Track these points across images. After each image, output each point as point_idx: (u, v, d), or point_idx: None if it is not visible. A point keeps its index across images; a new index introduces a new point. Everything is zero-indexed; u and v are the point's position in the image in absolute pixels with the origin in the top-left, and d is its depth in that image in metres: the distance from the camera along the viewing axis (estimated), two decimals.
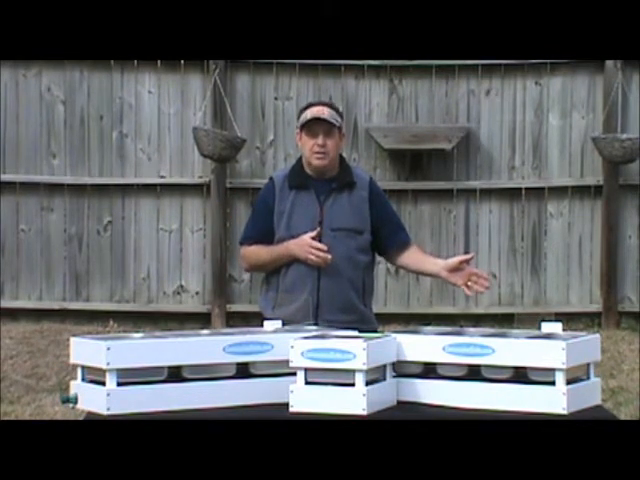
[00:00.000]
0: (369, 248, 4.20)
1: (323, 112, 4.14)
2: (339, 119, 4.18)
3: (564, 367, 2.94)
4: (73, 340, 3.14)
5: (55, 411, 5.93)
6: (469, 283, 3.99)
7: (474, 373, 3.06)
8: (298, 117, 4.24)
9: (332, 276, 4.08)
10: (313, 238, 4.04)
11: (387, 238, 4.23)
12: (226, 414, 3.01)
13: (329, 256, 4.02)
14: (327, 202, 4.15)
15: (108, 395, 2.97)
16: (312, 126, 4.13)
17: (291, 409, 3.00)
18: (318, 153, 4.12)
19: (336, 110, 4.24)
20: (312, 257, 4.02)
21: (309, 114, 4.14)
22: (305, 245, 4.04)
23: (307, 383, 3.00)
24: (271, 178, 4.28)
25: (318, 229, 4.06)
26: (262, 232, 4.18)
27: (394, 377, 3.12)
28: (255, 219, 4.28)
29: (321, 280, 4.08)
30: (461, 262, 4.05)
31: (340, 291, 4.10)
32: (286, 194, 4.16)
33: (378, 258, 4.35)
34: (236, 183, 8.18)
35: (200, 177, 8.22)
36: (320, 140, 4.11)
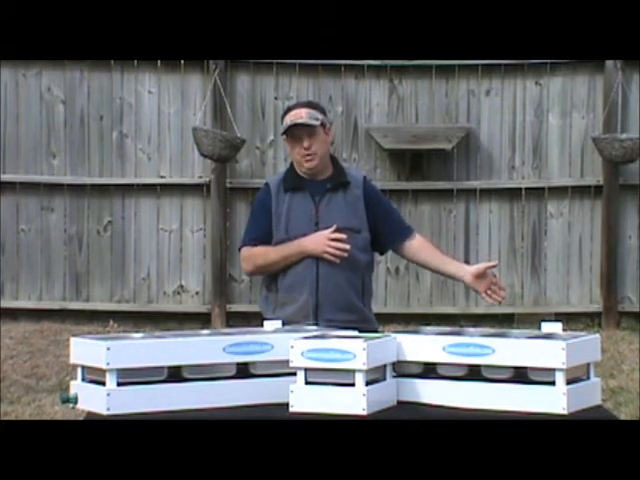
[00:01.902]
0: (368, 247, 4.19)
1: (301, 115, 4.11)
2: (320, 116, 4.14)
3: (564, 367, 2.94)
4: (73, 340, 3.14)
5: (55, 411, 5.93)
6: (489, 291, 4.04)
7: (474, 373, 3.06)
8: (282, 123, 4.22)
9: (331, 276, 4.07)
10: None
11: (389, 232, 4.22)
12: (226, 414, 3.01)
13: (347, 246, 4.01)
14: (322, 202, 4.14)
15: (108, 395, 2.97)
16: (293, 132, 4.12)
17: (291, 409, 3.00)
18: (306, 156, 4.12)
19: (315, 107, 4.21)
20: (330, 250, 4.00)
21: (288, 120, 4.12)
22: (322, 238, 4.03)
23: (307, 383, 3.00)
24: (267, 183, 4.27)
25: (335, 226, 4.04)
26: (264, 233, 4.15)
27: (394, 377, 3.12)
28: (255, 221, 4.24)
29: (320, 280, 4.07)
30: (487, 268, 4.07)
31: (339, 290, 4.09)
32: (282, 197, 4.15)
33: (378, 258, 4.35)
34: (236, 183, 8.19)
35: (200, 177, 8.23)
36: (305, 143, 4.11)
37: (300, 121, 4.09)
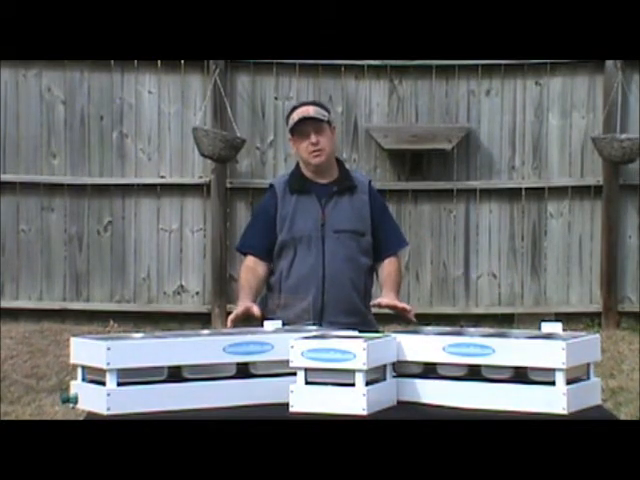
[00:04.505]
0: (370, 251, 4.20)
1: (308, 111, 4.16)
2: (326, 114, 4.20)
3: (564, 367, 2.94)
4: (73, 340, 3.14)
5: (55, 411, 5.93)
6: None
7: (474, 373, 3.06)
8: (287, 123, 4.25)
9: (336, 278, 4.08)
10: (244, 315, 4.01)
11: (378, 246, 4.23)
12: (226, 414, 3.01)
13: (228, 325, 4.03)
14: (328, 205, 4.15)
15: (108, 395, 2.97)
16: (301, 127, 4.13)
17: (291, 409, 3.00)
18: (313, 152, 4.13)
19: (321, 106, 4.26)
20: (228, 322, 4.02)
21: (295, 116, 4.15)
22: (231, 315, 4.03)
23: (307, 383, 3.00)
24: (271, 185, 4.28)
25: (246, 310, 4.01)
26: (256, 240, 4.20)
27: (394, 377, 3.12)
28: (254, 227, 4.29)
29: (326, 282, 4.08)
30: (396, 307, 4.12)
31: (344, 293, 4.10)
32: (288, 199, 4.17)
33: None
34: (236, 183, 8.19)
35: (200, 177, 8.23)
36: (313, 139, 4.12)
37: (308, 115, 4.12)
